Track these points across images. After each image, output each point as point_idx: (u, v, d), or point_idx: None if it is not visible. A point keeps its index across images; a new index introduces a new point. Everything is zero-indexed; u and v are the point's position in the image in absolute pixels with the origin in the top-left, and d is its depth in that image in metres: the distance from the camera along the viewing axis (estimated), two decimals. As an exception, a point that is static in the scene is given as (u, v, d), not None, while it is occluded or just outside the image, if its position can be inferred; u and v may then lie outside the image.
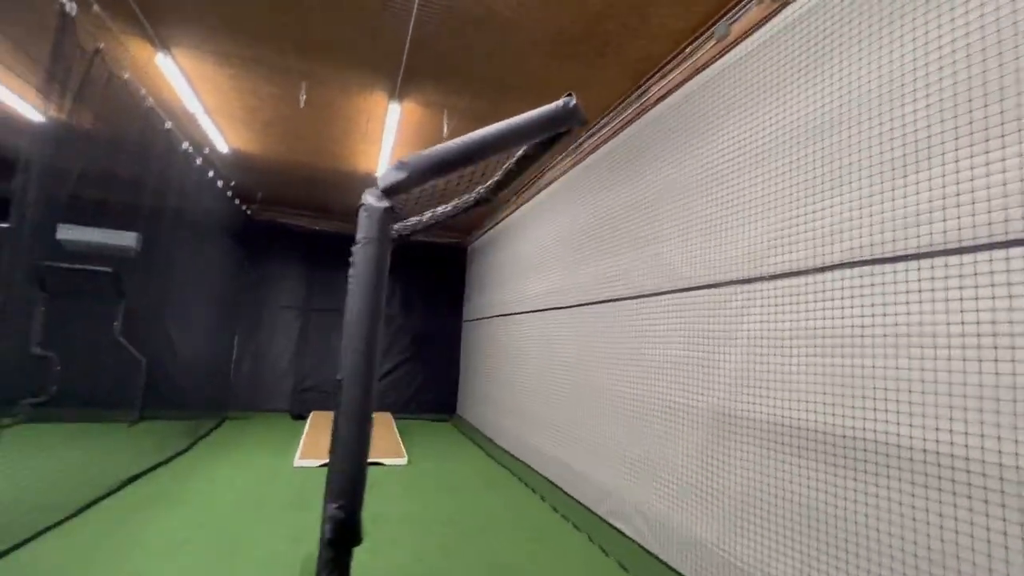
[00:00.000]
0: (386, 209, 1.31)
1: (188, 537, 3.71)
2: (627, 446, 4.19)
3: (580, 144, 5.71)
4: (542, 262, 6.72)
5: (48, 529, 3.55)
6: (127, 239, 8.71)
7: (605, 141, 5.25)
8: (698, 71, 3.86)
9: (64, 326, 8.16)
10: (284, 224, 9.78)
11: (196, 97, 5.16)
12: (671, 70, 4.17)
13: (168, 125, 4.95)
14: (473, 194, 2.41)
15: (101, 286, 7.71)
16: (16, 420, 7.23)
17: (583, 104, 1.63)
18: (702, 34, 3.77)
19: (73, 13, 3.12)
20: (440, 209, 2.36)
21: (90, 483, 4.43)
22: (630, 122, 4.79)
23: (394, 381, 10.16)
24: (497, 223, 8.98)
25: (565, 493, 5.12)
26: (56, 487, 4.22)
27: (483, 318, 9.34)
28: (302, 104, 4.83)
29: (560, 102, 1.52)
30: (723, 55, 3.61)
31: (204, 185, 6.81)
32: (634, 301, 4.40)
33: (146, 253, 8.68)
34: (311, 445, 6.43)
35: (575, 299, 5.53)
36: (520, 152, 1.94)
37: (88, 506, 4.10)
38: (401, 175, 1.34)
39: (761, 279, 3.02)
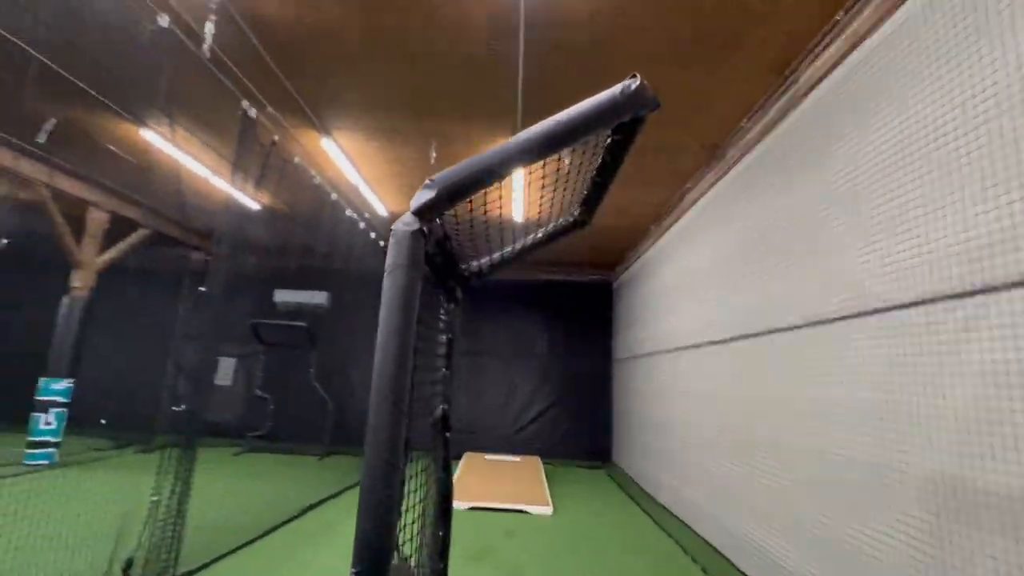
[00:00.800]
0: (414, 232, 1.17)
1: (342, 569, 3.94)
2: (810, 517, 3.28)
3: (722, 154, 5.08)
4: (690, 292, 6.02)
5: (238, 548, 4.11)
6: (320, 298, 10.43)
7: (751, 147, 4.56)
8: (860, 40, 3.12)
9: (274, 372, 9.95)
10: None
11: (356, 171, 5.99)
12: (823, 49, 3.46)
13: (334, 196, 5.80)
14: (565, 217, 2.18)
15: (299, 338, 9.27)
16: (243, 450, 8.92)
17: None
18: (859, -4, 3.06)
19: (253, 115, 3.85)
20: (530, 238, 2.18)
21: (278, 509, 5.09)
22: (779, 120, 4.08)
23: (543, 424, 10.00)
24: (640, 255, 8.46)
25: (733, 566, 4.23)
26: (252, 511, 4.93)
27: (632, 357, 8.72)
28: (432, 161, 5.23)
29: (619, 86, 1.24)
30: (893, 13, 2.86)
31: (369, 247, 7.81)
32: (804, 330, 3.56)
33: (331, 309, 10.23)
34: (461, 488, 6.53)
35: (729, 332, 4.76)
36: (599, 160, 1.67)
37: (272, 530, 4.69)
38: (430, 193, 1.20)
39: (994, 289, 2.14)
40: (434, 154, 5.16)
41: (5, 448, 6.80)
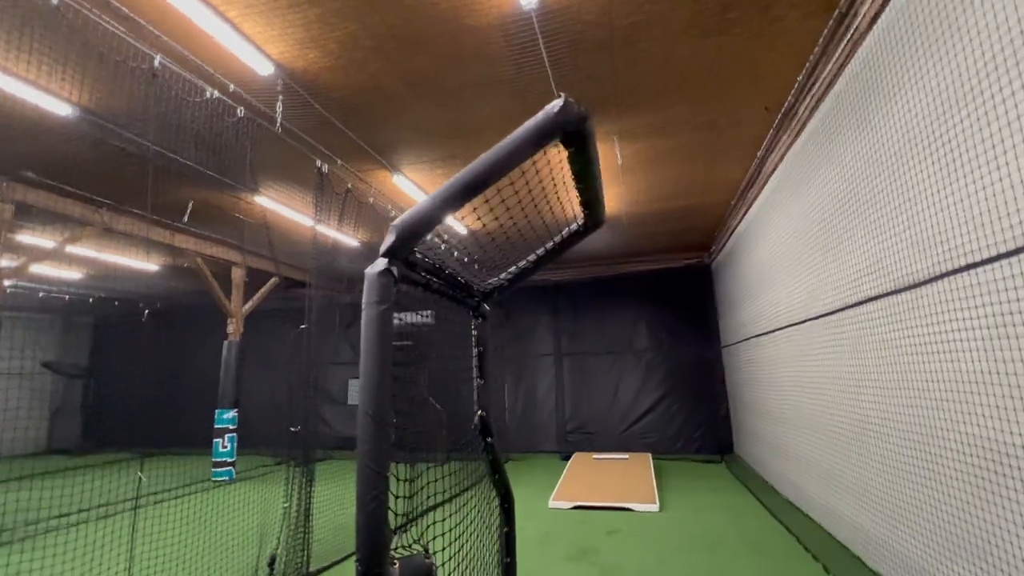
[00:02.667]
0: (381, 272, 1.37)
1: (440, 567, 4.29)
2: (965, 519, 2.88)
3: (792, 112, 4.63)
4: (781, 265, 5.52)
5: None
6: (427, 316, 11.34)
7: (821, 98, 4.12)
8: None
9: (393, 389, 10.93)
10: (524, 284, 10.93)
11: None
12: (877, -25, 3.05)
13: (412, 226, 6.34)
14: (571, 226, 2.26)
15: (409, 355, 10.14)
16: (375, 460, 9.95)
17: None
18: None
19: (325, 170, 4.43)
20: (538, 252, 2.28)
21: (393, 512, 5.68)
22: (844, 63, 3.66)
23: (654, 420, 9.70)
24: (731, 232, 7.90)
25: (866, 567, 3.80)
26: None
27: (737, 342, 8.14)
28: (490, 178, 5.48)
29: (544, 110, 1.33)
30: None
31: (456, 264, 8.34)
32: (921, 290, 3.07)
33: (435, 326, 11.02)
34: (566, 487, 6.65)
35: (830, 304, 4.30)
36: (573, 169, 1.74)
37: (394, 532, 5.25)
38: (392, 237, 1.39)
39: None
40: (491, 171, 5.41)
41: (199, 468, 8.44)
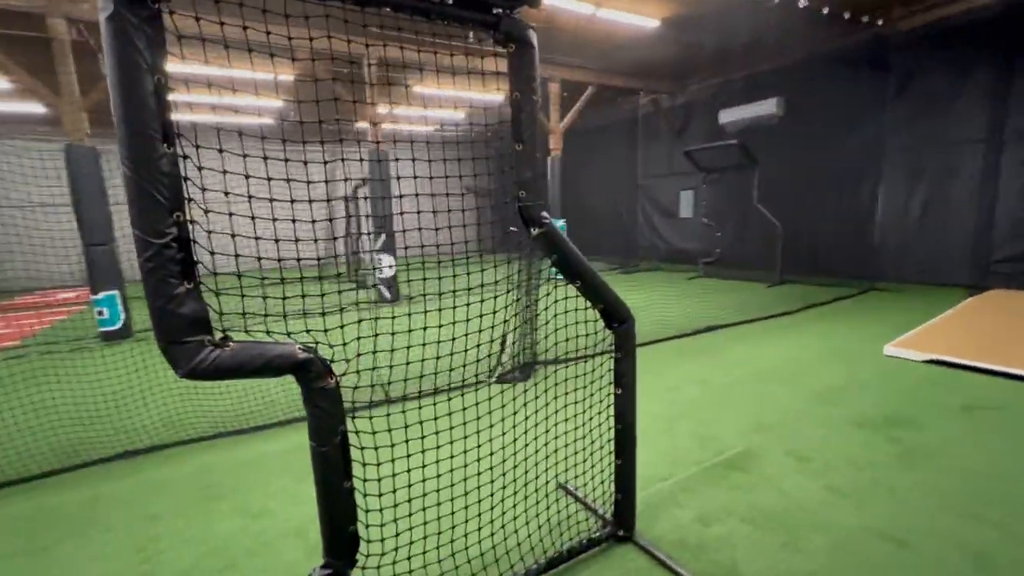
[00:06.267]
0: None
1: (689, 392, 3.72)
2: None
3: None
4: None
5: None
6: (768, 106, 8.88)
7: None
8: None
9: (721, 198, 9.58)
10: (941, 22, 6.61)
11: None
12: None
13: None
14: None
15: (734, 158, 8.34)
16: (696, 275, 9.38)
17: None
18: None
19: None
20: None
21: (670, 326, 5.30)
22: None
23: None
24: None
25: None
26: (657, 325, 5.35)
27: None
28: None
29: None
30: None
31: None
32: None
33: (785, 116, 8.54)
34: (929, 333, 4.45)
35: None
36: None
37: (668, 339, 4.99)
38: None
39: None
40: None
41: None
